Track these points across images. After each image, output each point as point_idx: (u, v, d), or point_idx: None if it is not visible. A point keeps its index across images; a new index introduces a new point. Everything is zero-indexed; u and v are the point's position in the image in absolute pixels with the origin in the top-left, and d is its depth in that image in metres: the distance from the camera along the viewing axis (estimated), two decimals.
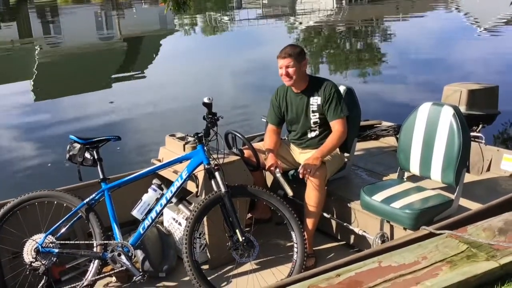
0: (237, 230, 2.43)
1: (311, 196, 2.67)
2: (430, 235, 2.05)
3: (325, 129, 2.86)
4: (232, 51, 12.75)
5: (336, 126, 2.79)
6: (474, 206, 2.58)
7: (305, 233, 2.58)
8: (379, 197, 2.53)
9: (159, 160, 2.98)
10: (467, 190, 2.72)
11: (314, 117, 2.86)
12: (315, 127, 2.89)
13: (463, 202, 2.63)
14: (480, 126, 3.51)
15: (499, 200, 2.46)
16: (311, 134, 2.92)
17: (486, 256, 1.82)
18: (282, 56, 2.79)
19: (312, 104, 2.84)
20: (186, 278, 2.48)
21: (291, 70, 2.77)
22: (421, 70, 9.15)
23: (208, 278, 2.39)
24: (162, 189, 2.56)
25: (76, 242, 2.60)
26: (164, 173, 2.78)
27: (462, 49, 11.42)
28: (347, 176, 3.10)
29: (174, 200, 2.62)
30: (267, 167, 2.78)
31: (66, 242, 2.52)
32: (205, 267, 2.69)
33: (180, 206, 2.71)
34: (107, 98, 8.15)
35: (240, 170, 2.69)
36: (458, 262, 1.81)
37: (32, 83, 9.51)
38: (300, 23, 17.13)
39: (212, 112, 2.52)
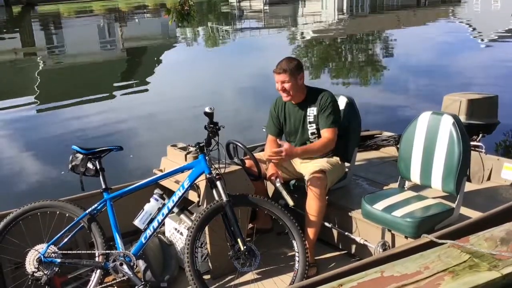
0: (238, 240, 2.44)
1: (312, 206, 2.67)
2: (431, 244, 2.06)
3: None
4: (234, 61, 12.84)
5: (326, 134, 2.79)
6: (475, 214, 2.58)
7: (306, 242, 2.58)
8: (380, 206, 2.54)
9: (161, 170, 3.00)
10: (468, 199, 2.73)
11: (311, 128, 2.87)
12: (314, 138, 2.90)
13: (464, 210, 2.64)
14: (480, 135, 3.53)
15: (499, 208, 2.46)
16: None
17: (488, 266, 1.82)
18: (277, 71, 2.79)
19: (309, 115, 2.86)
20: None
21: (287, 86, 2.78)
22: (421, 80, 9.19)
23: None
24: (163, 199, 2.57)
25: (78, 252, 2.61)
26: (165, 183, 2.80)
27: (463, 58, 11.48)
28: (348, 186, 3.11)
29: (175, 209, 2.63)
30: (267, 177, 2.80)
31: (68, 252, 2.53)
32: (207, 276, 2.70)
33: (182, 215, 2.72)
34: (109, 108, 8.19)
35: (242, 180, 2.70)
36: (460, 272, 1.80)
37: (35, 94, 9.57)
38: (302, 34, 17.26)
39: (214, 122, 2.54)
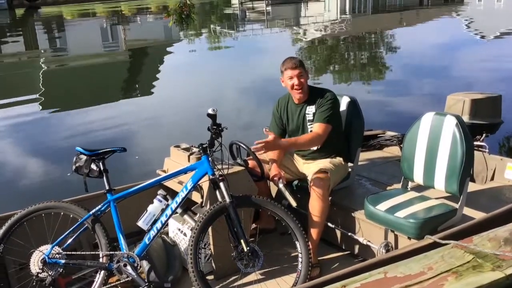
0: (241, 240, 2.44)
1: (315, 206, 2.68)
2: (435, 245, 2.05)
3: (324, 141, 2.86)
4: (236, 63, 12.86)
5: (316, 128, 2.79)
6: (478, 215, 2.58)
7: (309, 243, 2.58)
8: (383, 206, 2.54)
9: (164, 171, 3.01)
10: (471, 199, 2.72)
11: (311, 127, 2.87)
12: None
13: (467, 211, 2.63)
14: (484, 135, 3.52)
15: (503, 209, 2.45)
16: (312, 147, 2.93)
17: (492, 267, 1.82)
18: (292, 66, 2.80)
19: (308, 114, 2.87)
20: None
21: (303, 80, 2.81)
22: (424, 80, 9.17)
23: None
24: (167, 200, 2.58)
25: (82, 253, 2.62)
26: (169, 183, 2.81)
27: (466, 58, 11.44)
28: (351, 186, 3.11)
29: (179, 210, 2.64)
30: (270, 177, 2.80)
31: (72, 253, 2.54)
32: (210, 277, 2.70)
33: (185, 216, 2.73)
34: (113, 110, 8.22)
35: (245, 181, 2.71)
36: (464, 272, 1.80)
37: (39, 96, 9.62)
38: (305, 35, 17.26)
39: (217, 123, 2.54)
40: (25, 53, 16.19)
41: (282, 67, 2.86)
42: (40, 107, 8.74)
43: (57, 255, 2.48)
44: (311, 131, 2.86)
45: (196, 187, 2.61)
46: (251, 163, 2.84)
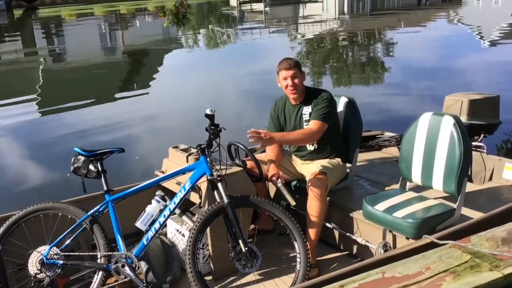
0: (240, 241, 2.44)
1: (313, 206, 2.68)
2: (432, 244, 2.06)
3: (321, 141, 2.86)
4: (235, 63, 12.87)
5: (310, 124, 2.80)
6: (476, 215, 2.58)
7: (308, 243, 2.58)
8: (381, 206, 2.54)
9: (163, 172, 3.01)
10: (469, 199, 2.73)
11: (307, 127, 2.87)
12: None
13: (465, 211, 2.64)
14: (482, 135, 3.53)
15: (501, 209, 2.46)
16: (310, 148, 2.94)
17: (490, 266, 1.82)
18: (286, 67, 2.81)
19: (305, 114, 2.87)
20: None
21: (297, 80, 2.81)
22: (422, 80, 9.19)
23: None
24: (165, 200, 2.58)
25: (80, 253, 2.62)
26: (167, 184, 2.81)
27: (464, 58, 11.47)
28: (349, 186, 3.11)
29: (177, 211, 2.64)
30: (269, 177, 2.80)
31: (71, 253, 2.54)
32: (209, 278, 2.70)
33: (184, 217, 2.73)
34: (112, 111, 8.23)
35: (243, 181, 2.71)
36: (462, 272, 1.80)
37: (37, 97, 9.61)
38: (303, 36, 17.28)
39: (215, 124, 2.54)
40: (24, 59, 16.14)
41: (277, 67, 2.87)
42: (39, 108, 8.73)
43: (55, 256, 2.48)
44: None
45: (194, 188, 2.61)
46: (250, 163, 2.84)
